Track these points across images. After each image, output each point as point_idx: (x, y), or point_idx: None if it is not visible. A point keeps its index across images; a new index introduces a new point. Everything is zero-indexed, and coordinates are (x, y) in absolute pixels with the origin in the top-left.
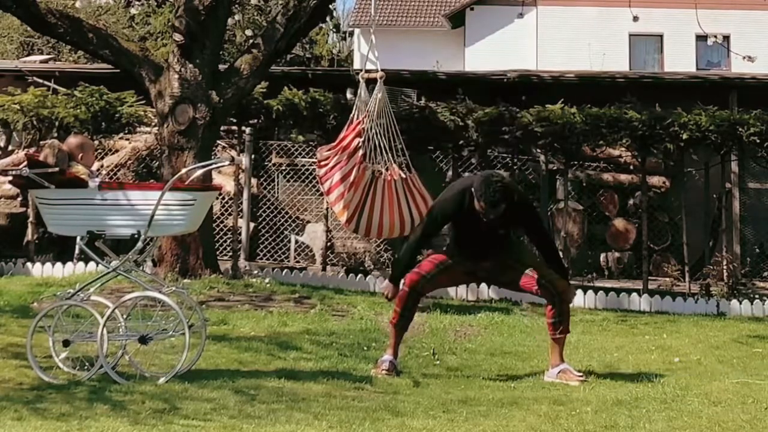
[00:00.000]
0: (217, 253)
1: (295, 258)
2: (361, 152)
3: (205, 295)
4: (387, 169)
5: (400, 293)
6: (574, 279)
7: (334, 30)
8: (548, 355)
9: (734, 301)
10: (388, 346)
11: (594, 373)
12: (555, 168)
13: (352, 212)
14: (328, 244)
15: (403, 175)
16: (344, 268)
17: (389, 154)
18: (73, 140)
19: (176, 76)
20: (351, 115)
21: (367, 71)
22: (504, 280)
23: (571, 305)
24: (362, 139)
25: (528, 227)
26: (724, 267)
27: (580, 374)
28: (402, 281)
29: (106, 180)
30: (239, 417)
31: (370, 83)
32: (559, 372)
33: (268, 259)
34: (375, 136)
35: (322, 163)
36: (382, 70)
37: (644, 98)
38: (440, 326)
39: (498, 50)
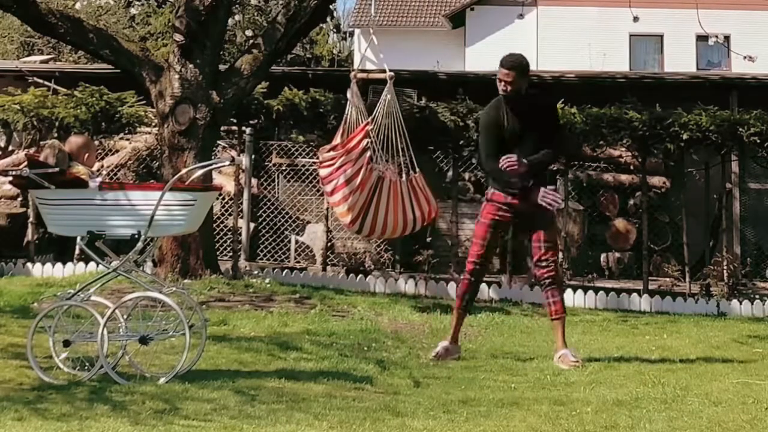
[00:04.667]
0: (218, 253)
1: (295, 258)
2: (369, 153)
3: (206, 296)
4: (392, 169)
5: (462, 281)
6: (575, 279)
7: (335, 30)
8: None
9: (734, 302)
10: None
11: (594, 373)
12: (555, 168)
13: (357, 213)
14: (329, 244)
15: (409, 175)
16: (344, 268)
17: (396, 154)
18: (76, 140)
19: (177, 76)
20: (345, 115)
21: (362, 71)
22: (529, 227)
23: (570, 304)
24: (370, 140)
25: (549, 126)
26: (725, 267)
27: (576, 359)
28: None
29: (107, 180)
30: (240, 417)
31: (371, 83)
32: (558, 356)
33: (268, 260)
34: (382, 136)
35: (326, 163)
36: (381, 70)
37: (645, 98)
38: (440, 326)
39: (498, 50)
